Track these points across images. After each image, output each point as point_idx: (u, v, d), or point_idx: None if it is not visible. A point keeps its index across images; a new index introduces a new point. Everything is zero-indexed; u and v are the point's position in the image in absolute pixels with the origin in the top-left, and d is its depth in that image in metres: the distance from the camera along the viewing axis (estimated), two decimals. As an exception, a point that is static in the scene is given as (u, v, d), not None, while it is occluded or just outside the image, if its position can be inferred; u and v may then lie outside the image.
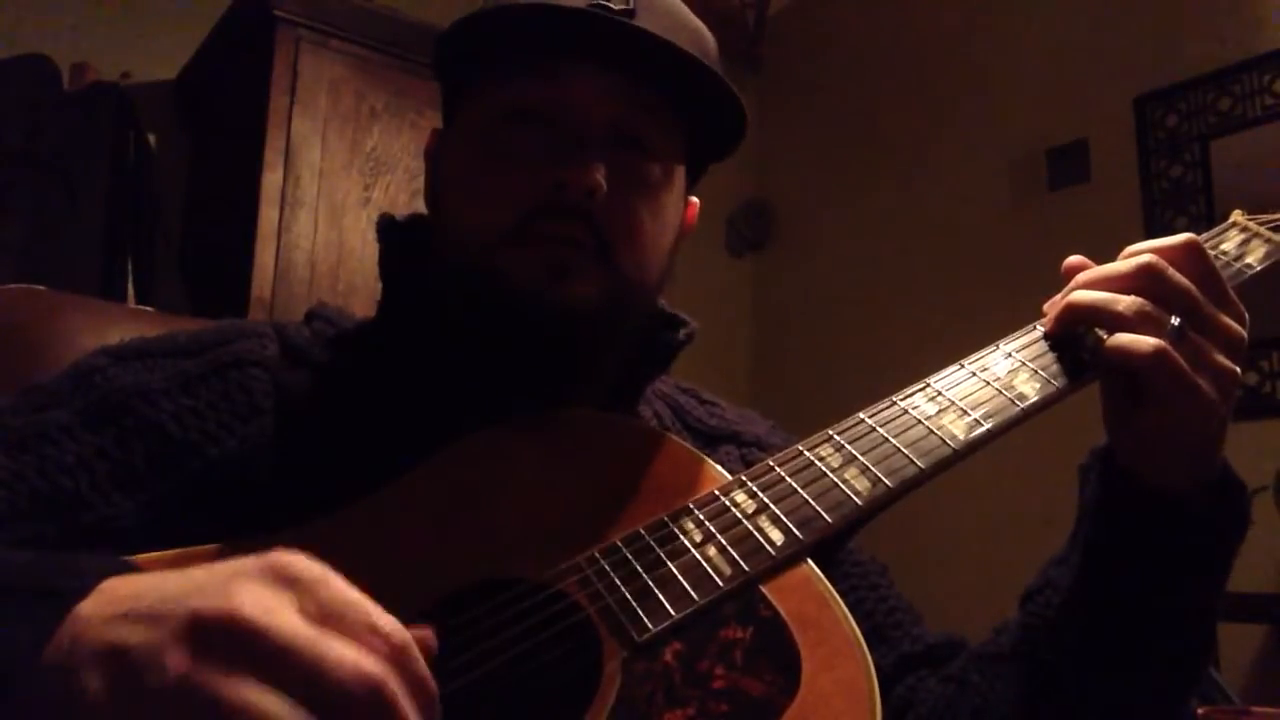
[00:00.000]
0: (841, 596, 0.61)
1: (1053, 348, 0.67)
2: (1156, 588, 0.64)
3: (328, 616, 0.42)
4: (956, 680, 0.72)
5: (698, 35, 0.74)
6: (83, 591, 0.43)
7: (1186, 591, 0.64)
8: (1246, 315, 0.65)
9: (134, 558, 0.55)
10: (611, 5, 0.68)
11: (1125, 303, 0.63)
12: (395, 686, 0.40)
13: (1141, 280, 0.64)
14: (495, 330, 0.69)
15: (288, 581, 0.42)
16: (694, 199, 0.83)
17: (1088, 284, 0.66)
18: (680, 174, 0.77)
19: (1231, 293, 0.66)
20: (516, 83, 0.71)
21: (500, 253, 0.68)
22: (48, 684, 0.41)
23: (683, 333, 0.80)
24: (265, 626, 0.39)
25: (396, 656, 0.42)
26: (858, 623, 0.55)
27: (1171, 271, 0.63)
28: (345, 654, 0.40)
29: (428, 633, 0.47)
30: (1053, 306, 0.68)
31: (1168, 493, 0.63)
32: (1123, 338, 0.61)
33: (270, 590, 0.41)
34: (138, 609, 0.41)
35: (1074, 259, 0.69)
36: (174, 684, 0.38)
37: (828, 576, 0.59)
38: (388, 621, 0.43)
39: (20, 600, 0.44)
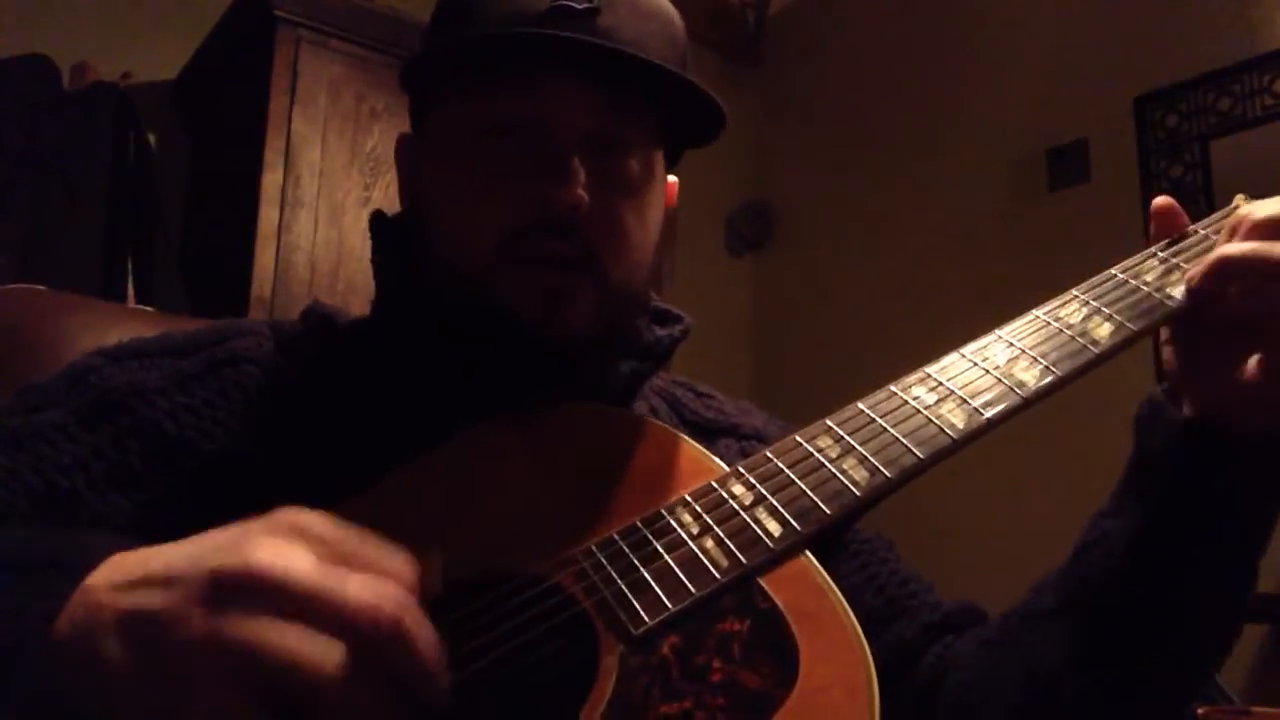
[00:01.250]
0: (853, 574, 0.61)
1: (1051, 336, 0.67)
2: (1236, 539, 0.64)
3: (340, 557, 0.43)
4: (997, 644, 0.71)
5: (665, 20, 0.74)
6: (90, 564, 0.44)
7: (1259, 541, 0.65)
8: None
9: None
10: (575, 4, 0.68)
11: None
12: (413, 616, 0.42)
13: None
14: (495, 365, 0.70)
15: (296, 532, 0.43)
16: (672, 178, 0.83)
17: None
18: (659, 162, 0.77)
19: None
20: (489, 97, 0.70)
21: (494, 275, 0.68)
22: (63, 655, 0.42)
23: (678, 329, 0.81)
24: (284, 573, 0.41)
25: (412, 586, 0.44)
26: (873, 598, 0.55)
27: None
28: (365, 588, 0.42)
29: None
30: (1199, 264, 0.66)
31: (1263, 438, 0.62)
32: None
33: (282, 541, 0.43)
34: (151, 575, 0.42)
35: (1163, 200, 0.69)
36: (200, 638, 0.40)
37: (837, 558, 0.58)
38: (399, 555, 0.45)
39: (27, 574, 0.45)
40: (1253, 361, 0.61)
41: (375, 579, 0.42)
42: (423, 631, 0.43)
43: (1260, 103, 2.48)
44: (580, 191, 0.67)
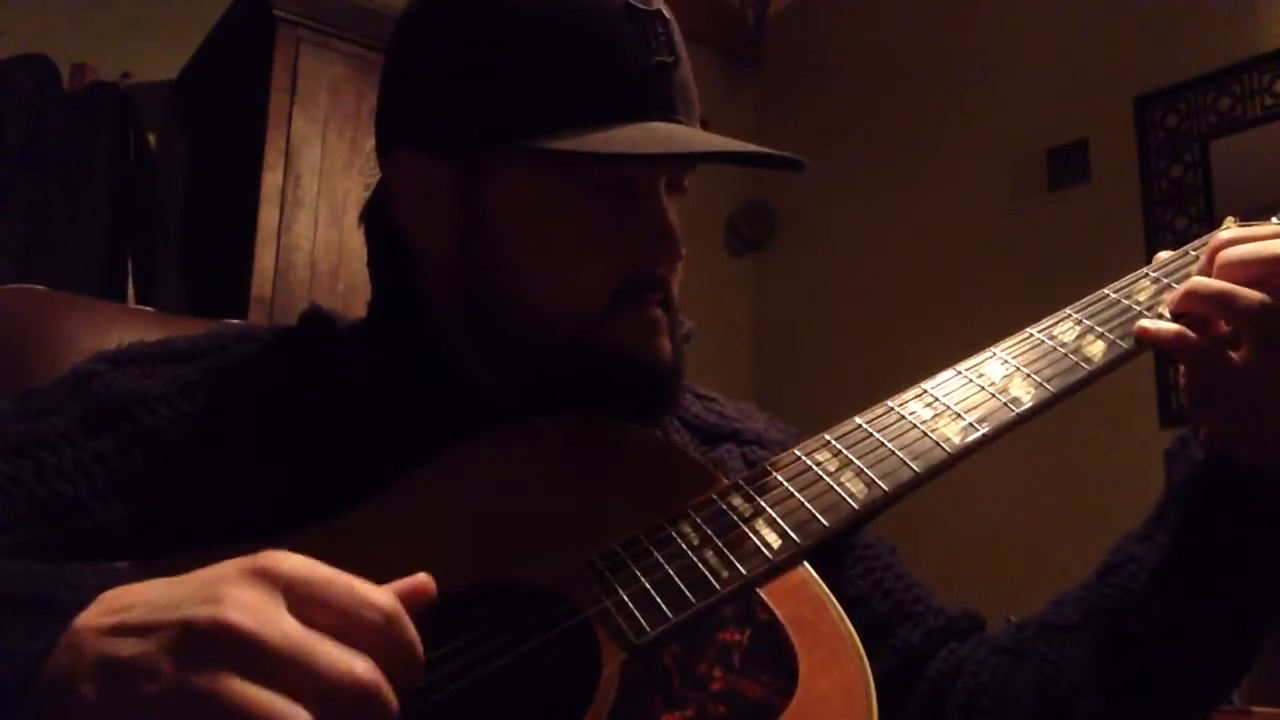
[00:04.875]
0: (859, 579, 0.61)
1: (1045, 354, 0.68)
2: (1254, 573, 0.65)
3: (316, 604, 0.44)
4: (1012, 651, 0.72)
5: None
6: (81, 604, 0.44)
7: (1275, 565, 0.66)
8: None
9: (126, 564, 0.55)
10: (666, 58, 0.70)
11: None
12: (383, 689, 0.43)
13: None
14: (617, 402, 0.71)
15: (274, 581, 0.43)
16: None
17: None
18: None
19: None
20: (592, 160, 0.68)
21: (603, 321, 0.70)
22: (46, 695, 0.42)
23: (680, 332, 0.81)
24: (254, 633, 0.41)
25: (390, 626, 0.45)
26: (880, 603, 0.56)
27: None
28: (336, 655, 0.42)
29: (422, 577, 0.49)
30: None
31: (1259, 471, 0.64)
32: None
33: (257, 593, 0.43)
34: (129, 621, 0.43)
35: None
36: (167, 690, 0.40)
37: (842, 564, 0.59)
38: (377, 593, 0.45)
39: (18, 613, 0.45)
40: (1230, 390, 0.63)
41: (345, 650, 0.42)
42: (391, 704, 0.43)
43: (1260, 103, 2.48)
44: (682, 253, 0.73)
